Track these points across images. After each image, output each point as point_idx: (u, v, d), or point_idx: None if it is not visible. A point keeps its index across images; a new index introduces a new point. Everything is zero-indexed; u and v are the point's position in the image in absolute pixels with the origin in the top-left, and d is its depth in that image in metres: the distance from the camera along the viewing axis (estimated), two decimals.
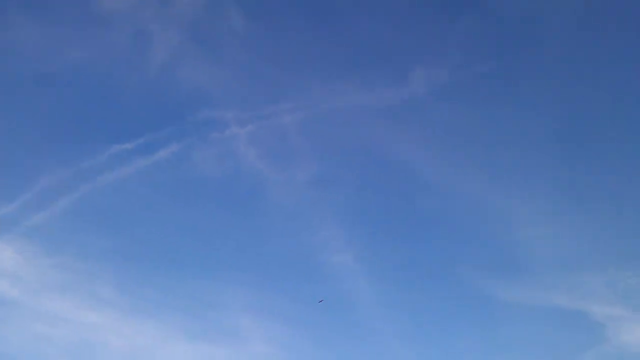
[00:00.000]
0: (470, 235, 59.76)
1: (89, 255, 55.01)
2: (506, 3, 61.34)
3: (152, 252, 57.29)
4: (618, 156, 59.59)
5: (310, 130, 60.81)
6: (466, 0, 63.07)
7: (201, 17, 60.70)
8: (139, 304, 53.95)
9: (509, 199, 59.51)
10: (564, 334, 54.12)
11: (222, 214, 60.11)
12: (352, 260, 57.78)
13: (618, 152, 59.75)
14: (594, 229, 57.43)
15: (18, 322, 50.44)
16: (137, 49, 59.36)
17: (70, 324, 51.66)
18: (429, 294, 57.82)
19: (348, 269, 57.36)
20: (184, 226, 58.91)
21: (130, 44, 59.69)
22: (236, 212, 60.29)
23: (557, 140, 60.75)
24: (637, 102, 59.84)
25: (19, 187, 53.66)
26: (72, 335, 51.33)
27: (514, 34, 62.26)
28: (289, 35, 62.88)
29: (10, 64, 56.36)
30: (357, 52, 61.95)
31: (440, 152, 61.56)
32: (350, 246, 58.54)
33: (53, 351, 50.00)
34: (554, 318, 54.69)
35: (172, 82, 59.34)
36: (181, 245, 58.14)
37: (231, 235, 59.46)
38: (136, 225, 57.75)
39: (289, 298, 57.30)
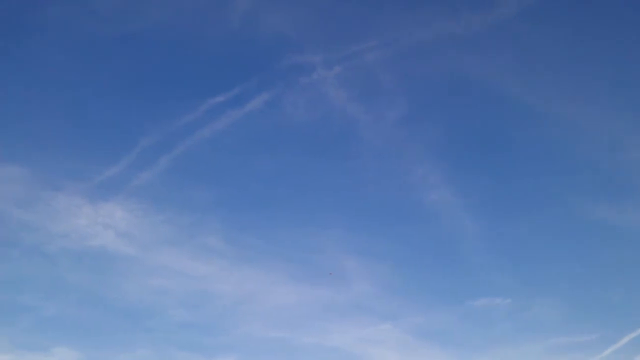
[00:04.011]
0: (572, 161, 57.49)
1: (193, 209, 57.31)
2: None
3: (252, 201, 58.96)
4: None
5: (398, 66, 59.16)
6: None
7: None
8: (244, 252, 55.99)
9: (609, 121, 56.19)
10: None
11: (316, 159, 60.68)
12: (451, 196, 57.26)
13: None
14: None
15: (136, 277, 53.54)
16: (216, 2, 59.26)
17: (183, 275, 54.33)
18: (536, 224, 56.54)
19: (447, 204, 56.96)
20: (280, 173, 59.95)
21: None
22: (330, 156, 60.64)
23: None
24: None
25: (122, 150, 55.88)
26: (185, 286, 54.09)
27: None
28: None
29: (96, 28, 57.55)
30: None
31: (532, 77, 58.41)
32: (448, 182, 57.87)
33: (170, 302, 53.18)
34: None
35: (256, 31, 58.93)
36: (279, 192, 59.45)
37: (327, 179, 60.08)
38: (235, 176, 59.30)
39: (388, 238, 57.88)
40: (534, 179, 57.73)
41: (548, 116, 57.66)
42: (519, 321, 52.34)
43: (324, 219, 58.14)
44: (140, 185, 55.13)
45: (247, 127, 58.20)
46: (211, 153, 58.20)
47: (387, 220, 58.60)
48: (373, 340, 52.61)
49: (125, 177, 54.70)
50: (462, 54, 58.72)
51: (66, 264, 51.98)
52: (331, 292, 54.97)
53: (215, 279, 54.59)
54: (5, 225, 51.80)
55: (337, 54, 57.32)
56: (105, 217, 54.19)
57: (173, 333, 51.25)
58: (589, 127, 56.66)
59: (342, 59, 57.09)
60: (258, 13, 58.59)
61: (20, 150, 54.69)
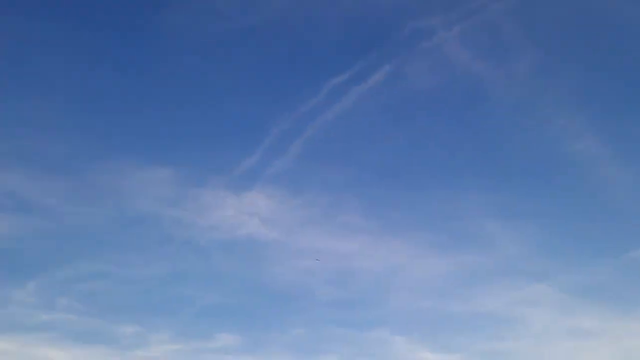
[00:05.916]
0: None
1: (330, 189, 58.14)
2: None
3: (387, 174, 58.76)
4: None
5: (523, 16, 56.49)
6: None
7: None
8: (385, 226, 56.19)
9: None
10: None
11: (446, 123, 59.56)
12: (598, 143, 54.29)
13: None
14: None
15: (283, 260, 54.99)
16: None
17: (328, 254, 54.93)
18: None
19: (594, 152, 54.12)
20: (411, 143, 59.44)
21: None
22: (460, 118, 59.32)
23: None
24: None
25: (256, 140, 57.73)
26: (331, 265, 54.72)
27: None
28: None
29: (218, 27, 59.36)
30: None
31: None
32: (593, 129, 54.80)
33: (318, 282, 54.06)
34: None
35: (370, 4, 58.43)
36: (413, 162, 59.01)
37: (460, 142, 58.80)
38: (366, 152, 59.67)
39: (532, 195, 55.72)
40: None
41: None
42: None
43: (461, 183, 57.08)
44: (276, 172, 56.78)
45: (373, 102, 58.12)
46: (340, 132, 58.81)
47: (528, 176, 56.59)
48: (527, 301, 51.19)
49: (262, 166, 56.48)
50: None
51: (218, 254, 54.40)
52: (477, 257, 53.81)
53: (360, 255, 55.24)
54: (160, 224, 54.85)
55: (456, 12, 55.59)
56: (249, 206, 56.32)
57: (324, 311, 52.29)
58: None
59: (461, 18, 55.35)
60: None
61: (165, 152, 57.99)
